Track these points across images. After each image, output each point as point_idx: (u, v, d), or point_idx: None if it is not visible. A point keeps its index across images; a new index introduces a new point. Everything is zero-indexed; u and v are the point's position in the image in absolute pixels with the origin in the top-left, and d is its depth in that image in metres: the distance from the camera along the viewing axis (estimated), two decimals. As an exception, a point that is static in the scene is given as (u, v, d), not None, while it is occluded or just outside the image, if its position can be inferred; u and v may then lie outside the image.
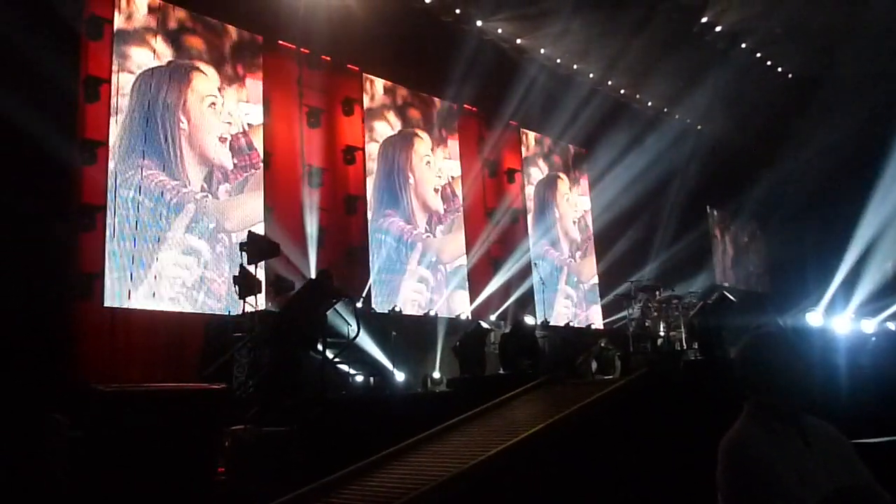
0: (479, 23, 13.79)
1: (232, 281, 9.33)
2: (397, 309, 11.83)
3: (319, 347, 7.44)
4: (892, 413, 5.02)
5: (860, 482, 2.35)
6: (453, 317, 12.59)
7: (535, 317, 13.39)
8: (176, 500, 5.20)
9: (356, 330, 8.21)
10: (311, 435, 6.13)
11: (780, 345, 2.48)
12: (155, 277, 9.24)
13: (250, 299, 8.09)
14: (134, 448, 5.15)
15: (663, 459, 5.00)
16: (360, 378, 9.06)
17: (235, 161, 10.48)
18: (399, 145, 12.89)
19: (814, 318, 13.74)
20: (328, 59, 11.82)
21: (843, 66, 14.79)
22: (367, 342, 9.67)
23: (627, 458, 5.06)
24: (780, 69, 17.04)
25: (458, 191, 13.67)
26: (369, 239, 11.93)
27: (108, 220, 8.89)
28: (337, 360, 8.05)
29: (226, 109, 10.51)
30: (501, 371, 9.71)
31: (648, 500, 4.86)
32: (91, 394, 5.74)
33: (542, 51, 14.89)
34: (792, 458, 2.27)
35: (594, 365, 10.15)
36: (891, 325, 12.90)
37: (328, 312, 8.01)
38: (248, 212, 10.39)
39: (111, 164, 9.11)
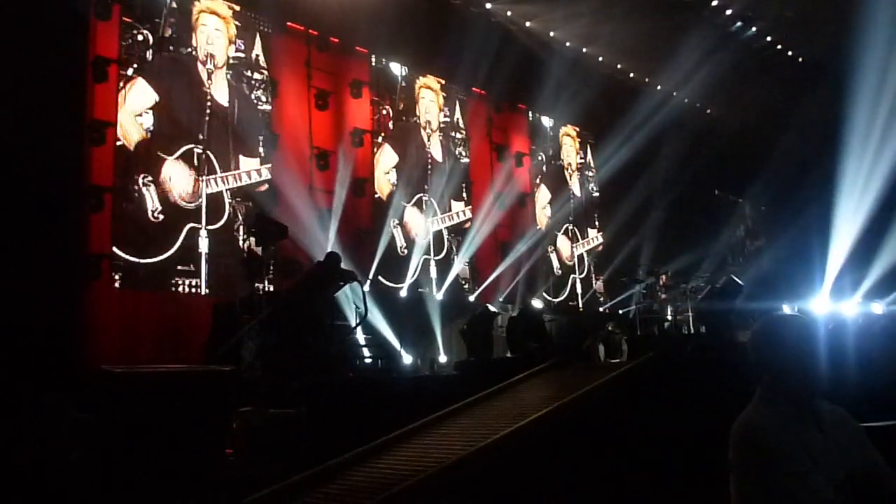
0: (488, 5, 13.71)
1: (241, 263, 9.38)
2: (403, 294, 11.86)
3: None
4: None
5: (872, 466, 2.35)
6: (462, 300, 12.64)
7: (542, 300, 13.42)
8: (184, 481, 5.23)
9: (363, 312, 8.24)
10: (319, 417, 6.16)
11: (792, 329, 2.47)
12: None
13: (258, 281, 8.13)
14: (142, 429, 5.18)
15: (671, 442, 5.00)
16: (367, 360, 9.10)
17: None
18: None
19: (818, 302, 13.72)
20: (336, 41, 11.76)
21: (850, 50, 14.63)
22: (374, 325, 9.70)
23: (635, 441, 5.06)
24: (790, 53, 16.90)
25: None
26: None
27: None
28: (352, 334, 8.10)
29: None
30: (509, 354, 9.74)
31: (657, 483, 4.87)
32: (100, 375, 5.78)
33: (552, 34, 14.80)
34: (805, 442, 2.27)
35: (601, 348, 10.17)
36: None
37: (336, 295, 8.04)
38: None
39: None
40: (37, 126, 7.90)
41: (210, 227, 9.75)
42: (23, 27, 7.96)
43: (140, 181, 9.23)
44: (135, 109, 9.35)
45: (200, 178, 9.80)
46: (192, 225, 9.58)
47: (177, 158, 9.65)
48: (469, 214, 13.53)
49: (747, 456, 2.32)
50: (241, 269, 9.17)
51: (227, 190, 10.06)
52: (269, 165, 10.53)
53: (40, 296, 7.49)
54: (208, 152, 9.97)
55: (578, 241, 15.76)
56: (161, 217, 9.30)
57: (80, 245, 8.49)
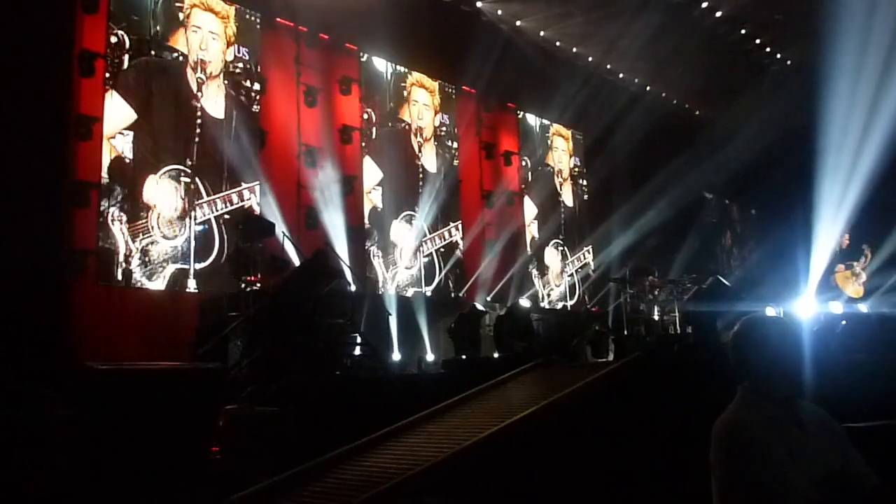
0: (479, 3, 13.70)
1: (227, 260, 9.32)
2: (391, 291, 11.84)
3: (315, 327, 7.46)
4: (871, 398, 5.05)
5: (851, 465, 2.38)
6: (449, 298, 12.62)
7: (529, 299, 13.44)
8: (170, 479, 5.21)
9: (351, 310, 8.22)
10: (306, 415, 6.15)
11: (773, 330, 2.50)
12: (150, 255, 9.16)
13: (245, 279, 8.09)
14: (128, 426, 5.16)
15: (657, 441, 5.02)
16: (355, 358, 9.08)
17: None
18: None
19: (804, 304, 13.77)
20: (326, 37, 11.73)
21: (835, 52, 14.71)
22: (362, 322, 9.68)
23: (621, 440, 5.08)
24: (779, 56, 16.98)
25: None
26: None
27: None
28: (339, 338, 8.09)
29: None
30: (496, 353, 9.75)
31: (643, 482, 4.89)
32: (85, 372, 5.74)
33: (542, 33, 14.82)
34: (786, 441, 2.30)
35: (588, 348, 10.21)
36: (862, 307, 12.79)
37: (324, 292, 8.02)
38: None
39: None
40: (21, 120, 7.84)
41: (199, 266, 9.09)
42: (6, 19, 7.90)
43: (109, 220, 8.44)
44: (108, 131, 8.59)
45: (187, 206, 9.09)
46: (178, 267, 8.96)
47: (162, 177, 8.85)
48: (461, 232, 13.19)
49: (728, 455, 2.34)
50: (229, 267, 9.12)
51: (215, 217, 9.37)
52: (258, 183, 10.00)
53: (24, 291, 7.43)
54: (197, 178, 9.26)
55: (568, 258, 15.53)
56: (138, 263, 8.59)
57: (66, 241, 8.42)
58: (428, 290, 12.42)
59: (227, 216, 9.50)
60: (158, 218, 8.89)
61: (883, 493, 2.36)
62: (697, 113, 18.47)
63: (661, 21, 13.85)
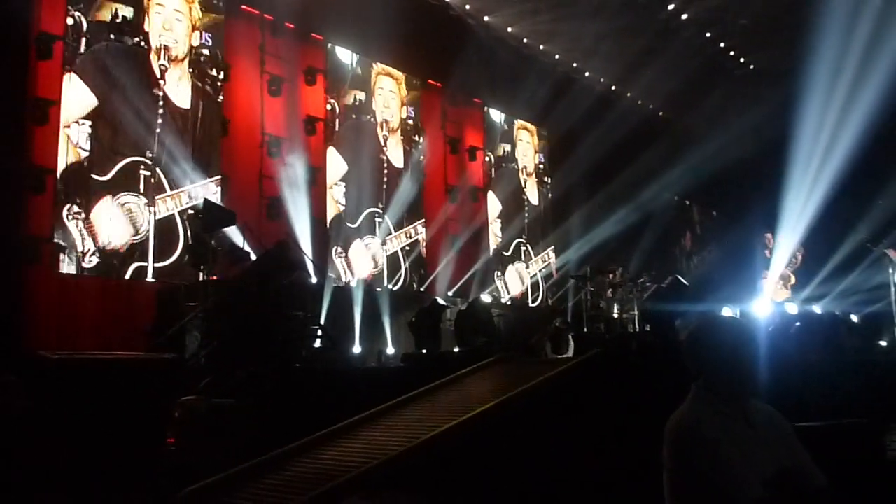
0: (446, -3, 13.69)
1: (186, 249, 9.20)
2: (353, 284, 11.79)
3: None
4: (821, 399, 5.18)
5: (799, 464, 2.43)
6: (410, 292, 12.61)
7: (491, 295, 13.49)
8: (125, 470, 5.14)
9: (311, 302, 8.17)
10: (264, 407, 6.10)
11: (727, 330, 2.55)
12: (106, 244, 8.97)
13: (204, 268, 7.99)
14: (82, 417, 5.07)
15: (613, 437, 5.09)
16: (314, 351, 9.03)
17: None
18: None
19: (761, 304, 14.07)
20: (292, 26, 11.61)
21: (800, 60, 15.01)
22: (322, 315, 9.63)
23: (579, 435, 5.13)
24: (742, 60, 17.25)
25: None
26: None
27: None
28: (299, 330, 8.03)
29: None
30: (456, 348, 9.77)
31: (599, 477, 4.95)
32: (38, 361, 5.63)
33: (510, 29, 14.85)
34: (736, 439, 2.35)
35: (548, 344, 10.28)
36: (815, 308, 13.09)
37: (284, 283, 7.96)
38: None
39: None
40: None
41: (159, 265, 8.86)
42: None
43: (65, 214, 8.12)
44: (67, 118, 8.25)
45: (147, 205, 8.78)
46: (137, 265, 8.71)
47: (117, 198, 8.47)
48: (424, 227, 13.09)
49: (679, 451, 2.39)
50: (187, 256, 9.00)
51: (179, 212, 9.11)
52: (219, 178, 9.77)
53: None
54: (158, 170, 8.95)
55: (532, 256, 15.57)
56: (96, 261, 8.37)
57: (21, 227, 8.23)
58: (391, 285, 12.39)
59: (190, 210, 9.28)
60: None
61: (829, 492, 2.42)
62: (661, 114, 18.67)
63: (627, 22, 13.98)
